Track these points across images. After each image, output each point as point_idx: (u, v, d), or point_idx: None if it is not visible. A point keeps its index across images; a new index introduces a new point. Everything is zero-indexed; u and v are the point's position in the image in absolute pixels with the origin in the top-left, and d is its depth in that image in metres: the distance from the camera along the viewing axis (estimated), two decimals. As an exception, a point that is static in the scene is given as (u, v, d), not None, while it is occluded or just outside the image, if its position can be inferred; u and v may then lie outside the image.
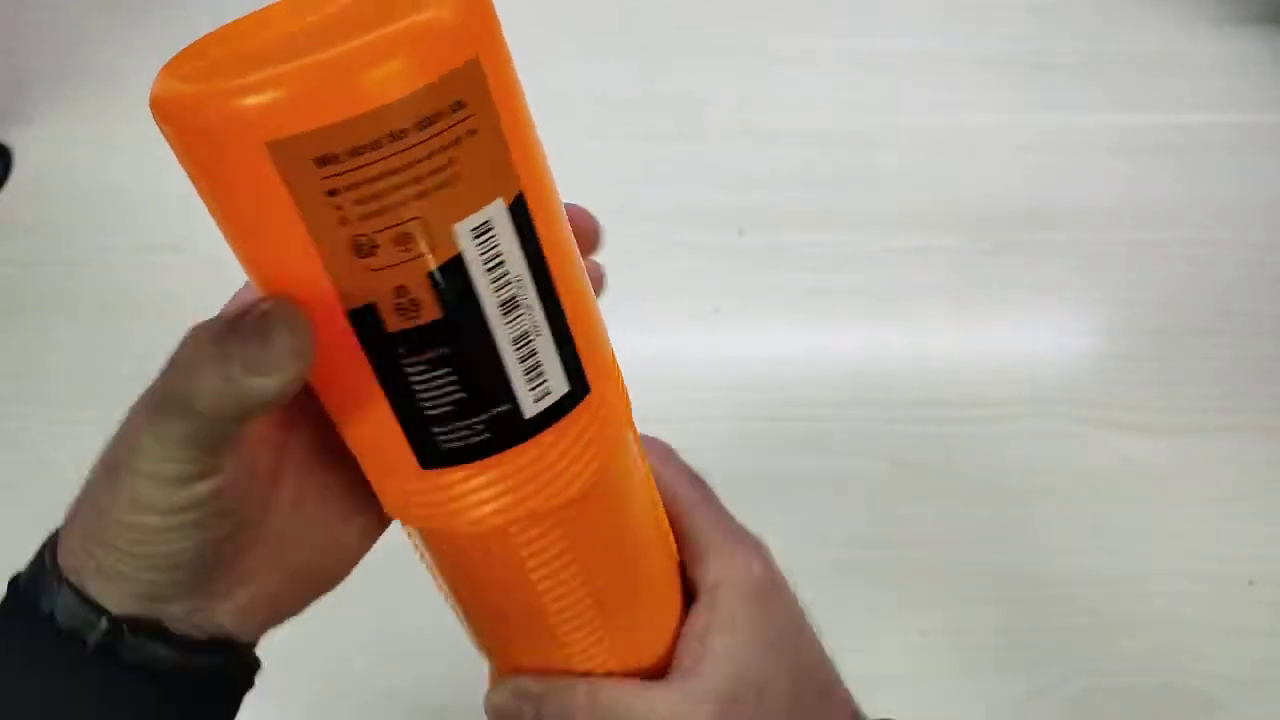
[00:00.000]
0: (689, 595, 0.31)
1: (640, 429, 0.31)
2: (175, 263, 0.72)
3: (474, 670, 0.35)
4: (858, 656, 0.67)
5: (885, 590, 0.63)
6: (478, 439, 0.24)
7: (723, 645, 0.29)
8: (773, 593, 0.31)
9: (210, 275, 0.76)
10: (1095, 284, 0.73)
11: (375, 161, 0.20)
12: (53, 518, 0.68)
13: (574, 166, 0.85)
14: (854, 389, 0.69)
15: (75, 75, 0.79)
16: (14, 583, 0.29)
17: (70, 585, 0.26)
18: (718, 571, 0.30)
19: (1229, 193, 0.76)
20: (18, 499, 0.66)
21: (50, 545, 0.29)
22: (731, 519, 0.32)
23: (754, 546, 0.31)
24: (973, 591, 0.64)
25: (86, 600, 0.25)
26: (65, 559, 0.27)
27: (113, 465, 0.27)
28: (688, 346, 0.69)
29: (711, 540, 0.31)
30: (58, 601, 0.26)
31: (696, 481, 0.32)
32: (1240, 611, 0.63)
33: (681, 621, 0.31)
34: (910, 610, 0.64)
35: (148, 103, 0.23)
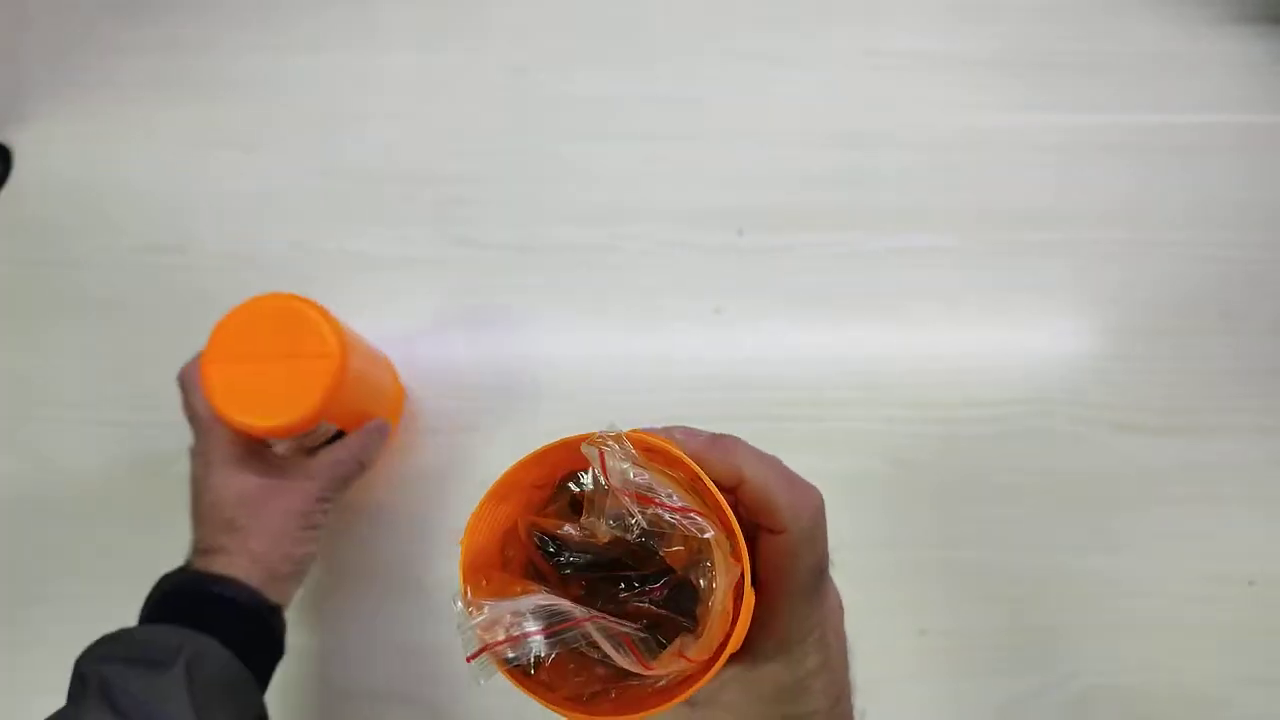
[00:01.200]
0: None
1: (641, 429, 0.31)
2: (175, 263, 0.72)
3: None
4: (857, 656, 0.67)
5: (885, 590, 0.63)
6: None
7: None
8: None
9: (210, 275, 0.77)
10: (1095, 284, 0.73)
11: None
12: (51, 519, 0.68)
13: (574, 166, 0.85)
14: (854, 389, 0.69)
15: (76, 76, 0.79)
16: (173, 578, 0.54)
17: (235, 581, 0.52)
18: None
19: (1229, 193, 0.76)
20: (18, 499, 0.66)
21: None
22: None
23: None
24: (972, 591, 0.64)
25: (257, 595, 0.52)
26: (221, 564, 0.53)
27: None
28: (688, 346, 0.69)
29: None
30: (230, 590, 0.52)
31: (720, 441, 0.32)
32: (1240, 611, 0.63)
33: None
34: (910, 610, 0.65)
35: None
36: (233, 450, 0.54)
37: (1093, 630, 0.63)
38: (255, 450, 0.55)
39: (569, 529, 0.29)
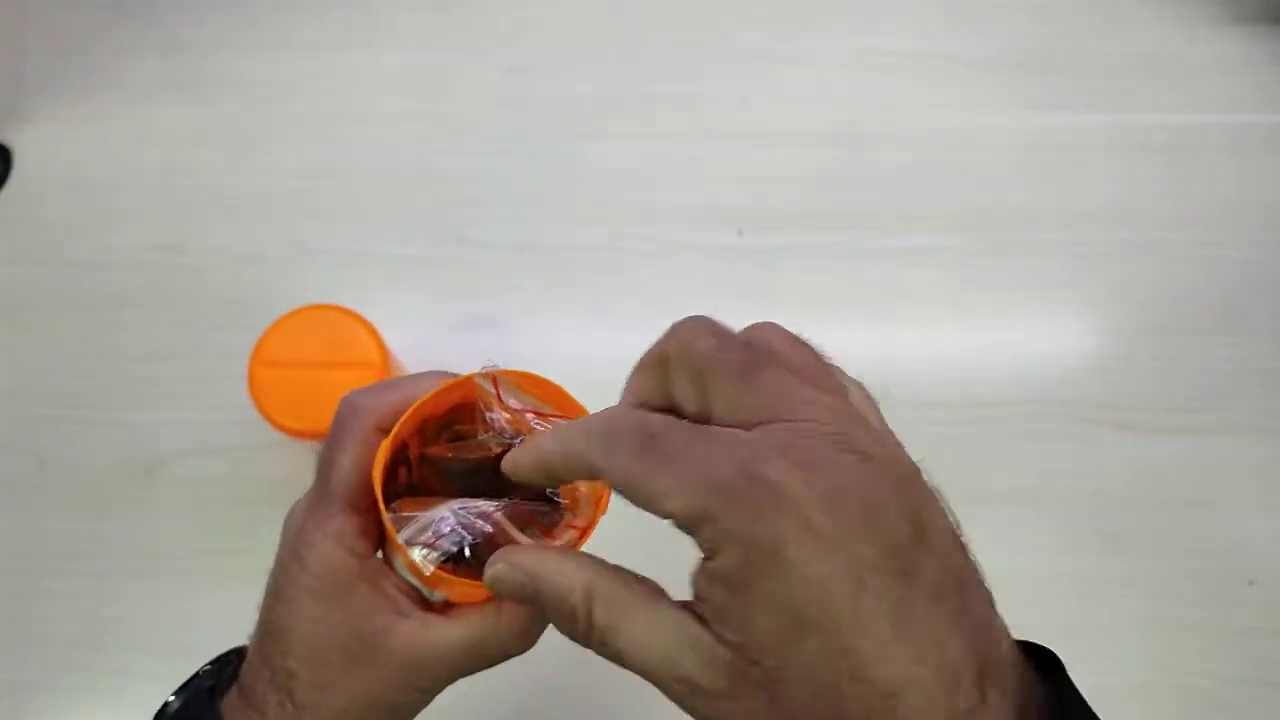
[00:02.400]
0: None
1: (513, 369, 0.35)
2: (175, 263, 0.72)
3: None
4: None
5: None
6: None
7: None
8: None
9: (210, 275, 0.77)
10: (1095, 284, 0.73)
11: None
12: (46, 518, 0.68)
13: (574, 166, 0.85)
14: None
15: (76, 76, 0.79)
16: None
17: None
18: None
19: (1229, 193, 0.76)
20: (18, 499, 0.66)
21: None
22: None
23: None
24: (973, 591, 0.64)
25: None
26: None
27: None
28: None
29: None
30: None
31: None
32: (1240, 611, 0.63)
33: None
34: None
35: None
36: (347, 561, 0.33)
37: (1092, 630, 0.63)
38: (372, 572, 0.33)
39: (460, 451, 0.34)
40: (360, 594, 0.33)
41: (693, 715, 0.25)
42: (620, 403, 0.28)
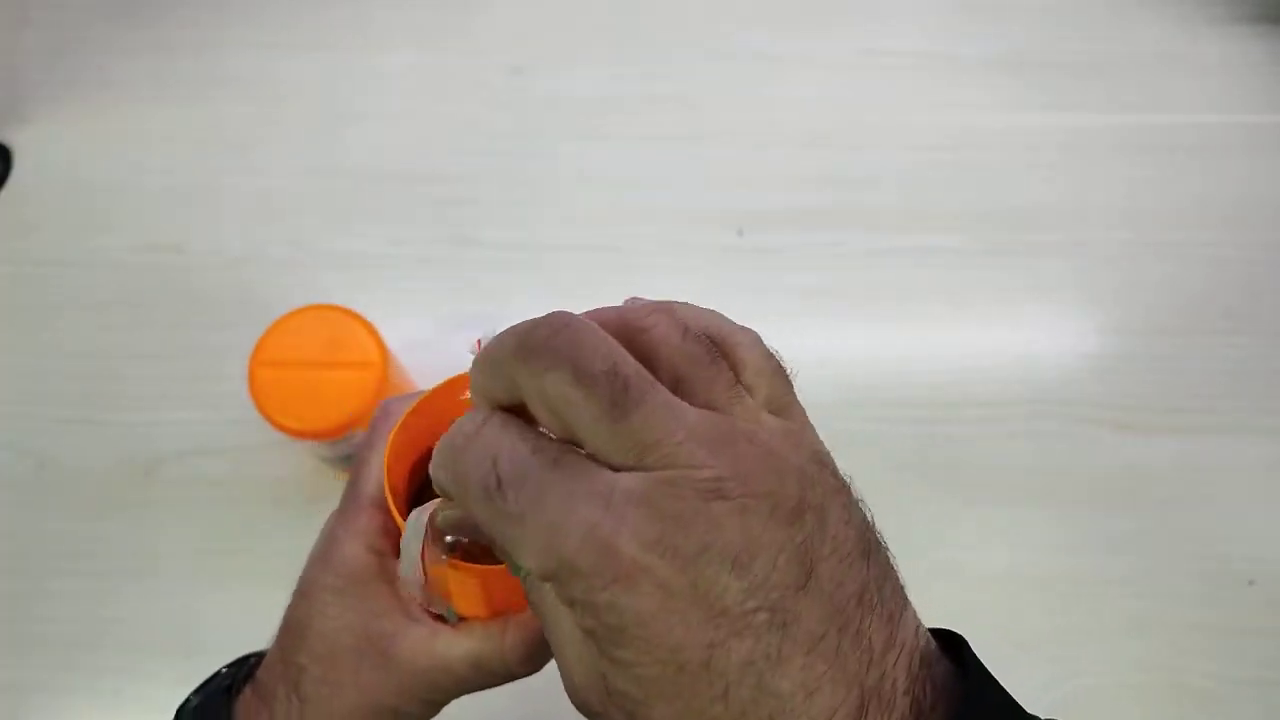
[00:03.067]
0: None
1: None
2: (175, 263, 0.72)
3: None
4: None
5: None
6: None
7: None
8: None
9: (209, 275, 0.77)
10: (1095, 284, 0.73)
11: None
12: (46, 518, 0.68)
13: (574, 166, 0.85)
14: (854, 389, 0.69)
15: (76, 75, 0.79)
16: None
17: None
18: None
19: (1229, 193, 0.76)
20: (18, 499, 0.66)
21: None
22: None
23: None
24: (973, 592, 0.64)
25: None
26: None
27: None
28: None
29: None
30: None
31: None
32: (1240, 611, 0.63)
33: None
34: (910, 610, 0.64)
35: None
36: (367, 558, 0.35)
37: (1092, 630, 0.63)
38: (391, 572, 0.35)
39: None
40: (376, 593, 0.33)
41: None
42: (472, 403, 0.25)
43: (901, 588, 0.24)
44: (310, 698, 0.33)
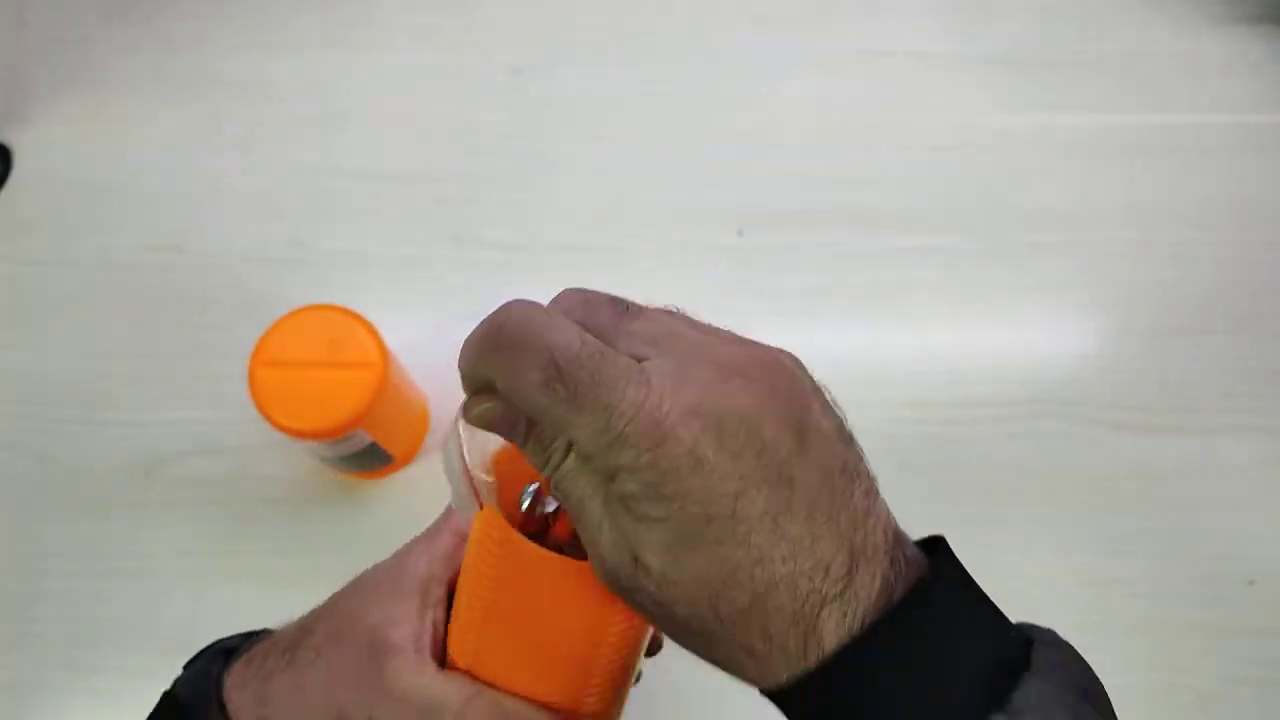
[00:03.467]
0: None
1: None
2: (176, 263, 0.72)
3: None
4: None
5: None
6: None
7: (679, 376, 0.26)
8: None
9: (209, 275, 0.77)
10: (1095, 284, 0.73)
11: None
12: (47, 518, 0.68)
13: (574, 167, 0.85)
14: (854, 389, 0.68)
15: (76, 75, 0.79)
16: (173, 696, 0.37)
17: None
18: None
19: (1230, 193, 0.76)
20: (18, 499, 0.66)
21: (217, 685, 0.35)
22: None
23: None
24: (973, 591, 0.64)
25: None
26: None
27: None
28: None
29: None
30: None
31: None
32: (1240, 611, 0.63)
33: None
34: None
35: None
36: (419, 575, 0.36)
37: (1092, 630, 0.62)
38: (426, 599, 0.36)
39: None
40: (406, 607, 0.34)
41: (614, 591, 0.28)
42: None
43: (874, 480, 0.28)
44: (295, 662, 0.34)
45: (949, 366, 0.70)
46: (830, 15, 0.82)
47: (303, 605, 0.61)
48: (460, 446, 0.32)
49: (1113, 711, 0.30)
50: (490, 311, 0.29)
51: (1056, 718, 0.25)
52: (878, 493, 0.28)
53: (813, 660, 0.25)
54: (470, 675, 0.33)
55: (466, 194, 0.75)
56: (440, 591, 0.35)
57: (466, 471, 0.32)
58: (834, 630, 0.25)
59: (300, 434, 0.56)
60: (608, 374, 0.25)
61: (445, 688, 0.32)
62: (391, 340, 0.59)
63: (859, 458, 0.28)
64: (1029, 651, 0.27)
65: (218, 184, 0.75)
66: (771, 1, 0.83)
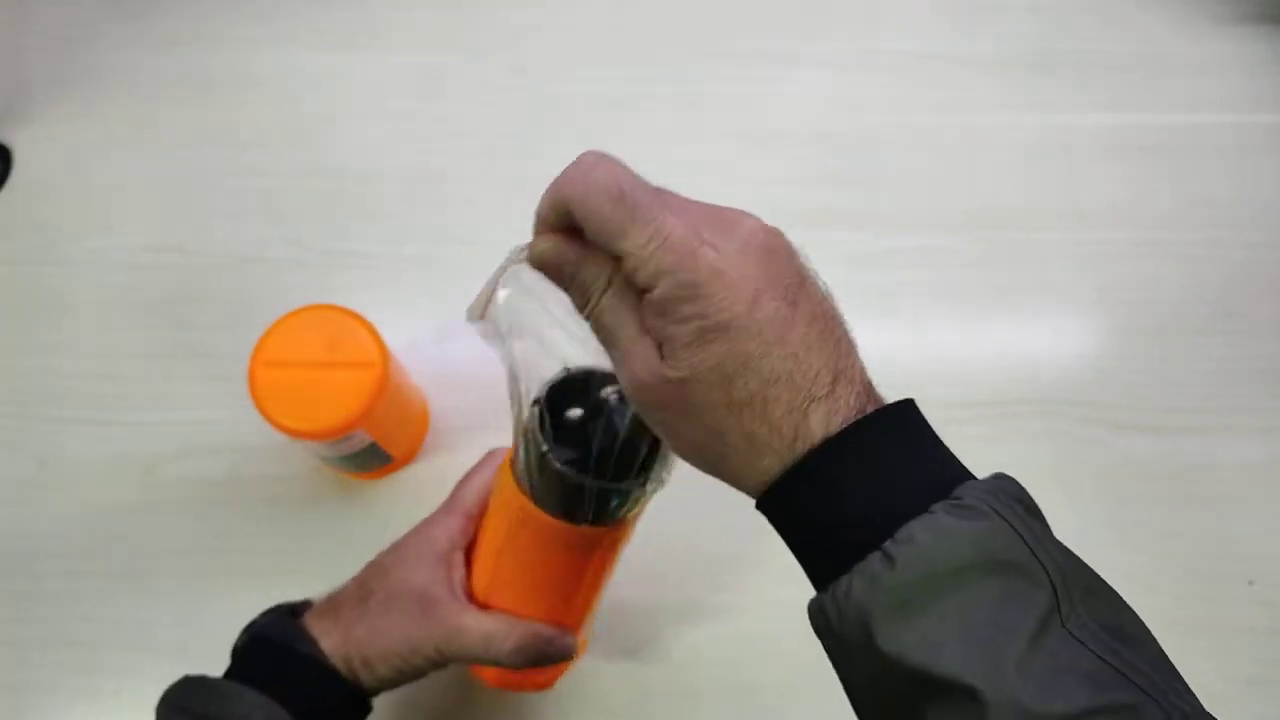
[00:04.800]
0: None
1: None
2: (176, 262, 0.72)
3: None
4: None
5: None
6: None
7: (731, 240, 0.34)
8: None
9: (210, 275, 0.77)
10: (1095, 284, 0.73)
11: None
12: (48, 518, 0.68)
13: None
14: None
15: (76, 75, 0.79)
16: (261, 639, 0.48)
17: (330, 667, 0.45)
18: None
19: (1228, 193, 0.76)
20: (18, 499, 0.66)
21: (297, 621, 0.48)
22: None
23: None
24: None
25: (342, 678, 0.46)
26: (332, 650, 0.46)
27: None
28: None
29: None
30: (325, 682, 0.46)
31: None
32: (1240, 611, 0.63)
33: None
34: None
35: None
36: (444, 545, 0.49)
37: (1092, 630, 0.63)
38: (456, 563, 0.49)
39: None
40: (438, 571, 0.47)
41: (639, 408, 0.35)
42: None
43: (853, 341, 0.35)
44: (370, 612, 0.46)
45: (949, 366, 0.70)
46: (830, 16, 0.82)
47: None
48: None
49: (1043, 518, 0.35)
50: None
51: (992, 506, 0.30)
52: (856, 348, 0.35)
53: (801, 449, 0.32)
54: (490, 605, 0.47)
55: (466, 194, 0.75)
56: (459, 556, 0.48)
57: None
58: (820, 424, 0.32)
59: (300, 434, 0.56)
60: (656, 204, 0.33)
61: (492, 622, 0.46)
62: (391, 340, 0.59)
63: (844, 321, 0.35)
64: (972, 475, 0.33)
65: (218, 184, 0.75)
66: (772, 2, 0.83)
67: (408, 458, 0.66)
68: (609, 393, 0.42)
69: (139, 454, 0.66)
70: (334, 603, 0.48)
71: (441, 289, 0.72)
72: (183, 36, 0.81)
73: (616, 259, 0.33)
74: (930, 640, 0.29)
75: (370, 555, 0.65)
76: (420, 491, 0.66)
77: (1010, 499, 0.32)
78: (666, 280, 0.32)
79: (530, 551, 0.46)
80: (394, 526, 0.65)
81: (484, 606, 0.47)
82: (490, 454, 0.51)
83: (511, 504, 0.44)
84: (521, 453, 0.43)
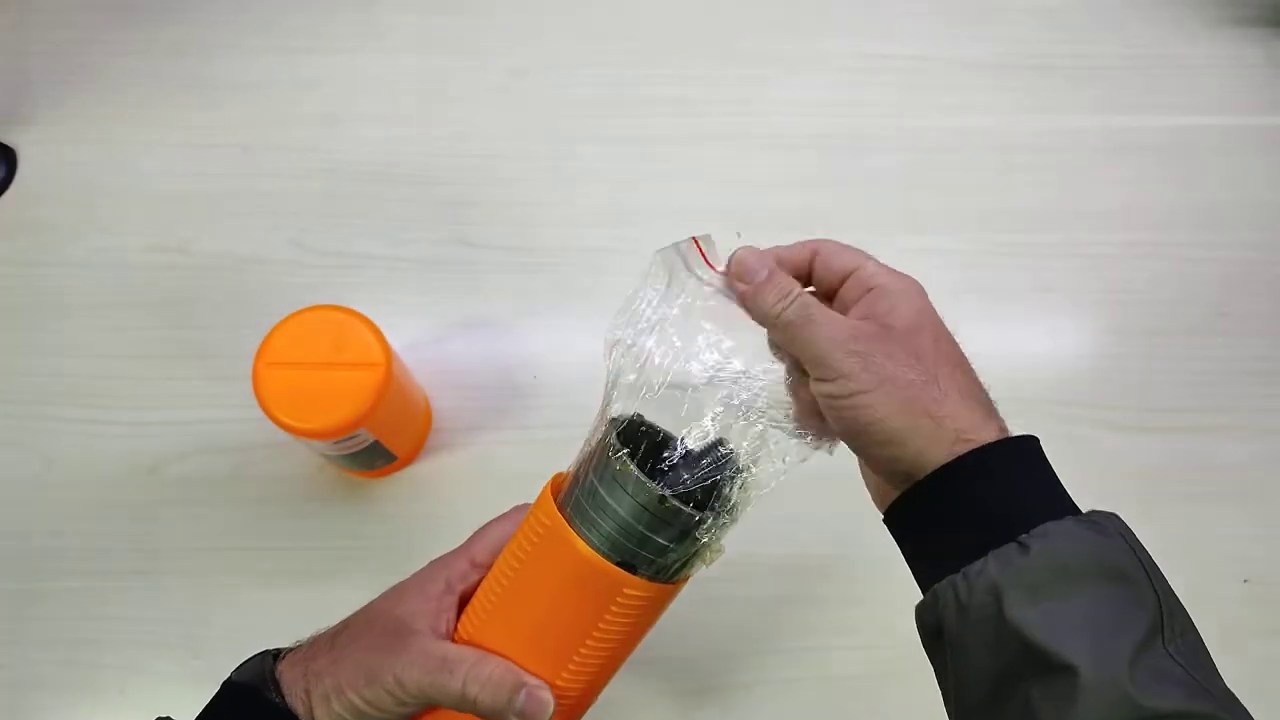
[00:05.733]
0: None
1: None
2: (178, 263, 0.73)
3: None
4: (858, 653, 0.67)
5: (884, 587, 0.63)
6: None
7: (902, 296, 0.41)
8: (924, 298, 0.42)
9: (211, 275, 0.77)
10: (1092, 285, 0.73)
11: None
12: (52, 518, 0.69)
13: (574, 168, 0.85)
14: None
15: (79, 77, 0.79)
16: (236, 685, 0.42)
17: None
18: (886, 278, 0.42)
19: (1225, 194, 0.76)
20: (18, 499, 0.66)
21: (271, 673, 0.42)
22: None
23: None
24: (971, 590, 0.64)
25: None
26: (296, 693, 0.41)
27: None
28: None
29: (880, 270, 0.43)
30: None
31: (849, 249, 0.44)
32: (1236, 610, 0.64)
33: None
34: (909, 608, 0.65)
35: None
36: (440, 587, 0.43)
37: (1089, 628, 0.63)
38: (448, 605, 0.43)
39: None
40: (426, 605, 0.42)
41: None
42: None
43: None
44: (337, 644, 0.42)
45: (947, 366, 0.70)
46: (829, 18, 0.83)
47: (306, 602, 0.62)
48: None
49: (1153, 563, 0.40)
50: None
51: (1117, 529, 0.39)
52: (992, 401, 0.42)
53: (962, 448, 0.38)
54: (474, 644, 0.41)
55: (467, 194, 0.75)
56: (453, 600, 0.42)
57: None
58: (981, 430, 0.39)
59: (304, 433, 0.56)
60: (819, 321, 0.40)
61: (460, 650, 0.40)
62: (394, 340, 0.59)
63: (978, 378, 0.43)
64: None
65: (221, 185, 0.76)
66: (770, 4, 0.83)
67: (411, 456, 0.67)
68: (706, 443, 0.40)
69: (143, 454, 0.67)
70: (311, 640, 0.43)
71: (443, 289, 0.73)
72: (185, 39, 0.81)
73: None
74: (1052, 621, 0.34)
75: (373, 554, 0.66)
76: (424, 490, 0.67)
77: (1126, 528, 0.39)
78: (841, 382, 0.38)
79: (540, 585, 0.40)
80: (398, 524, 0.66)
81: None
82: (517, 507, 0.45)
83: (541, 525, 0.39)
84: (596, 470, 0.39)
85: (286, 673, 0.41)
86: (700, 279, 0.42)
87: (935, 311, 0.42)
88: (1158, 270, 0.74)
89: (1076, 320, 0.73)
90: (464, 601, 0.43)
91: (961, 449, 0.37)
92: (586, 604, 0.39)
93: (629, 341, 0.41)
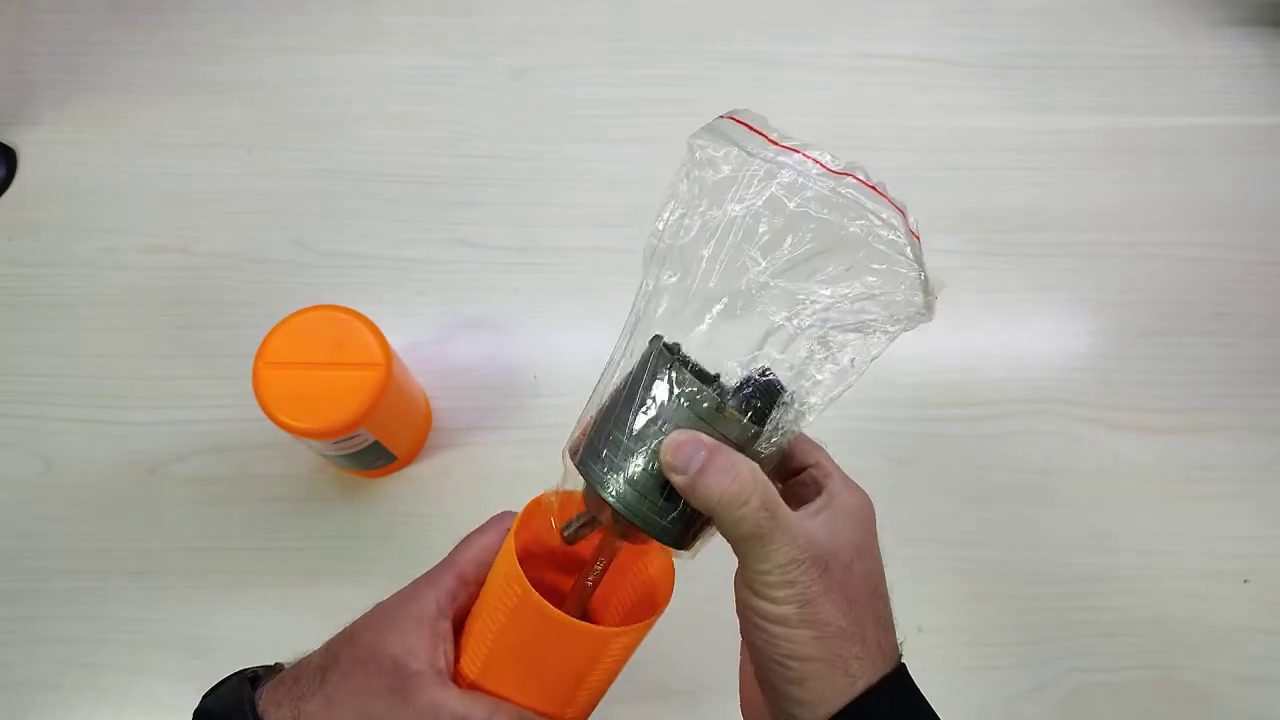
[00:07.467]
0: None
1: None
2: (179, 263, 0.73)
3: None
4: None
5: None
6: None
7: (842, 516, 0.39)
8: (872, 522, 0.40)
9: (211, 275, 0.77)
10: (1092, 285, 0.74)
11: None
12: (52, 517, 0.69)
13: (574, 168, 0.85)
14: (854, 389, 0.69)
15: (79, 78, 0.79)
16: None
17: None
18: (841, 489, 0.40)
19: (1224, 194, 0.76)
20: (18, 499, 0.66)
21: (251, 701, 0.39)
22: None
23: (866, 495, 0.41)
24: (971, 589, 0.64)
25: None
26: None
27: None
28: (688, 347, 0.69)
29: (837, 475, 0.41)
30: None
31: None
32: (1236, 609, 0.64)
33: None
34: (908, 608, 0.65)
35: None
36: (430, 609, 0.41)
37: (1089, 628, 0.63)
38: (442, 632, 0.41)
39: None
40: (420, 636, 0.39)
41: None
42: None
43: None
44: (328, 682, 0.39)
45: (948, 366, 0.70)
46: (829, 19, 0.83)
47: (306, 602, 0.62)
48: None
49: None
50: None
51: None
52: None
53: (887, 669, 0.37)
54: (480, 689, 0.39)
55: (467, 195, 0.75)
56: (447, 625, 0.40)
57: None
58: (880, 669, 0.37)
59: (304, 433, 0.56)
60: (780, 524, 0.36)
61: (472, 703, 0.38)
62: (394, 340, 0.59)
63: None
64: None
65: (221, 185, 0.76)
66: (771, 5, 0.83)
67: (411, 456, 0.67)
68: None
69: (143, 453, 0.67)
70: (295, 670, 0.40)
71: (444, 289, 0.73)
72: (186, 40, 0.81)
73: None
74: None
75: (372, 554, 0.66)
76: (424, 490, 0.67)
77: None
78: (788, 592, 0.36)
79: (529, 643, 0.39)
80: (397, 524, 0.66)
81: (474, 689, 0.40)
82: (497, 516, 0.43)
83: (513, 594, 0.38)
84: (629, 398, 0.38)
85: (272, 711, 0.39)
86: (765, 158, 0.37)
87: (876, 537, 0.40)
88: (1157, 270, 0.74)
89: (1078, 320, 0.73)
90: (457, 624, 0.41)
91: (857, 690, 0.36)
92: (581, 656, 0.39)
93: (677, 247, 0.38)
